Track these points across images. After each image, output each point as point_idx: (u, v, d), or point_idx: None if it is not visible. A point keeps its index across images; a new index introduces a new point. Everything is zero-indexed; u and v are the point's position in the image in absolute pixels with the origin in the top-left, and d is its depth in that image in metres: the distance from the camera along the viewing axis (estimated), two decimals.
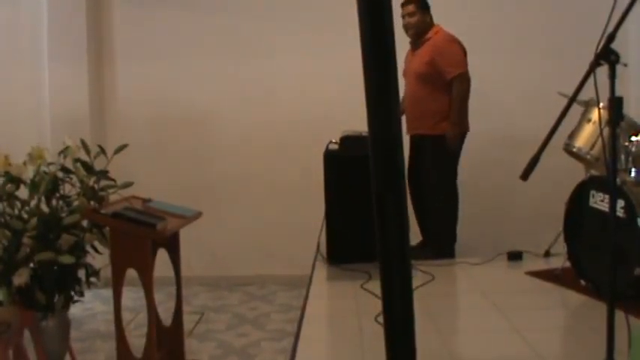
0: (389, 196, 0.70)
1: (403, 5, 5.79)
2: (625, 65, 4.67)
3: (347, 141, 5.47)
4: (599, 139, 4.78)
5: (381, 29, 0.73)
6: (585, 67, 2.72)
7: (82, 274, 4.67)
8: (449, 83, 5.61)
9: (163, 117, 6.98)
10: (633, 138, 4.64)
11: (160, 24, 7.01)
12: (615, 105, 2.74)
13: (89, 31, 6.94)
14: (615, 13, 2.67)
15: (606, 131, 4.78)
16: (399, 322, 0.75)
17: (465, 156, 5.89)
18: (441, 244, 5.76)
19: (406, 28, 5.79)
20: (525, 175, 2.64)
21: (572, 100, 2.84)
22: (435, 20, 5.88)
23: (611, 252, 3.13)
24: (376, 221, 0.73)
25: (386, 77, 0.75)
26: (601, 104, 4.72)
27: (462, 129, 5.74)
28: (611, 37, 2.65)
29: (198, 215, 4.81)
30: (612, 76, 2.70)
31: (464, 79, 5.61)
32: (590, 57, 2.69)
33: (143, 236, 4.09)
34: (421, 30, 5.78)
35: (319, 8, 6.73)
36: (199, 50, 6.97)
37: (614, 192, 3.04)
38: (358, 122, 5.99)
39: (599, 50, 2.66)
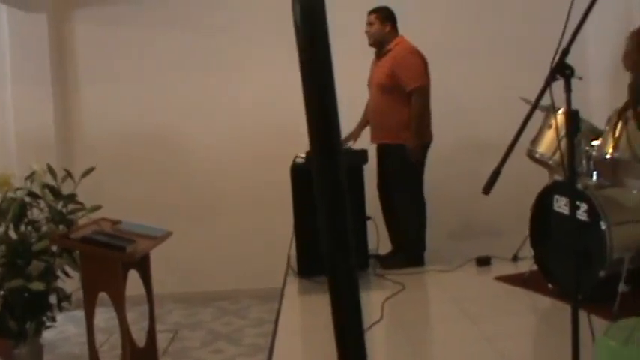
0: (330, 212, 0.71)
1: (367, 15, 5.89)
2: (580, 79, 4.79)
3: None
4: (562, 145, 4.86)
5: (320, 70, 0.75)
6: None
7: (53, 298, 4.67)
8: (409, 94, 5.66)
9: (130, 136, 6.97)
10: (594, 143, 4.72)
11: (123, 43, 7.01)
12: (571, 118, 2.79)
13: (52, 53, 6.92)
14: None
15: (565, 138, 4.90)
16: (350, 333, 0.77)
17: (432, 163, 5.94)
18: (411, 252, 5.80)
19: (367, 36, 5.87)
20: (487, 189, 2.69)
21: (531, 112, 2.89)
22: (403, 29, 5.95)
23: (574, 256, 3.19)
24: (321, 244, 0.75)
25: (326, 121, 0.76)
26: (560, 110, 4.86)
27: (423, 140, 5.79)
28: (566, 52, 2.72)
29: (168, 235, 4.83)
30: (568, 89, 2.77)
31: (423, 92, 5.67)
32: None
33: (113, 260, 4.11)
34: (380, 40, 5.85)
35: (284, 20, 6.75)
36: (164, 68, 6.97)
37: (573, 208, 3.10)
38: None
39: (554, 65, 2.72)
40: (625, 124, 4.33)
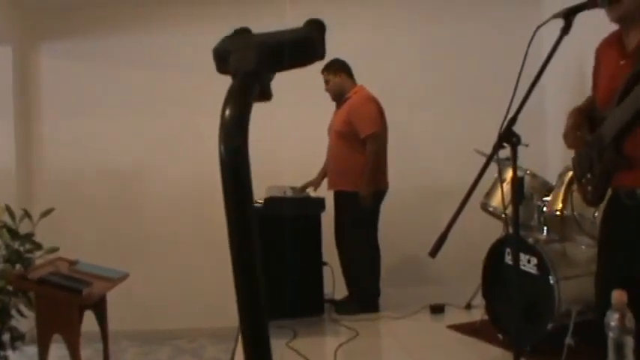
0: None
1: (322, 72, 6.03)
2: (526, 146, 4.92)
3: (271, 201, 5.56)
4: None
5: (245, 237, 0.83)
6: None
7: (6, 337, 4.66)
8: (364, 141, 5.76)
9: (91, 173, 6.99)
10: (545, 198, 4.85)
11: (87, 79, 7.04)
12: (517, 185, 2.89)
13: (16, 86, 6.94)
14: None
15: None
16: None
17: (389, 209, 6.04)
18: (365, 298, 5.87)
19: (329, 93, 6.04)
20: (433, 253, 2.75)
21: (482, 173, 2.94)
22: (363, 77, 6.08)
23: (516, 310, 3.26)
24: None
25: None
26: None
27: (378, 187, 5.88)
28: (513, 120, 2.81)
29: (124, 277, 4.86)
30: (514, 157, 2.87)
31: (376, 139, 5.77)
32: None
33: (69, 302, 4.13)
34: (339, 92, 6.00)
35: None
36: (127, 104, 7.01)
37: (517, 271, 3.20)
38: (284, 177, 6.18)
39: (501, 133, 2.82)
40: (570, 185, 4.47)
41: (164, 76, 7.04)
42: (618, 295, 2.27)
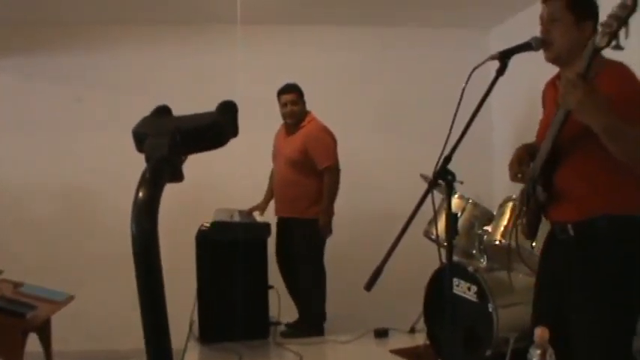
0: None
1: (283, 93, 6.07)
2: (461, 183, 5.05)
3: (218, 225, 5.60)
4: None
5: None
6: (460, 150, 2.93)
7: None
8: (320, 171, 5.85)
9: (38, 193, 6.92)
10: (486, 227, 4.98)
11: (36, 97, 6.97)
12: (450, 222, 2.98)
13: None
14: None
15: (463, 218, 5.15)
16: None
17: (334, 232, 6.14)
18: (310, 322, 5.93)
19: (286, 115, 6.08)
20: (369, 286, 2.82)
21: (418, 206, 3.00)
22: (312, 101, 6.22)
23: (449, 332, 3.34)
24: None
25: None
26: (456, 194, 5.11)
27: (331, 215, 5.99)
28: (448, 159, 2.90)
29: (69, 300, 4.87)
30: (448, 194, 2.96)
31: (334, 171, 5.89)
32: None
33: (12, 326, 4.13)
34: (299, 117, 6.07)
35: (202, 82, 6.97)
36: (75, 123, 6.95)
37: (452, 314, 3.29)
38: (231, 200, 6.23)
39: (437, 170, 2.91)
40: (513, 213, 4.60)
41: (113, 96, 7.02)
42: (540, 332, 2.36)
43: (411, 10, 6.77)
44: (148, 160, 0.97)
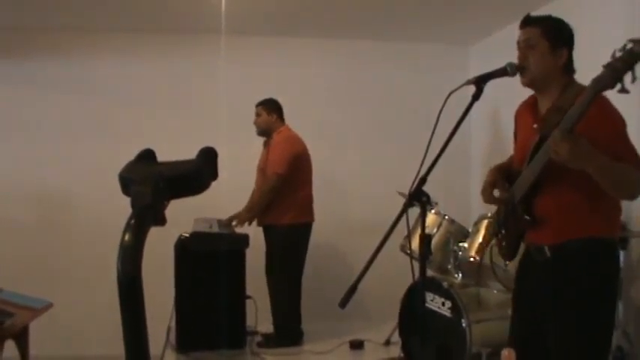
0: None
1: (255, 106, 6.22)
2: (436, 204, 5.13)
3: (196, 236, 5.65)
4: (432, 243, 5.18)
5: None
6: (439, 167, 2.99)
7: None
8: (292, 179, 5.94)
9: (16, 198, 6.93)
10: (461, 243, 5.06)
11: (13, 102, 6.96)
12: (425, 242, 3.05)
13: None
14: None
15: (439, 234, 5.23)
16: None
17: (311, 243, 6.19)
18: (287, 332, 5.98)
19: (255, 126, 6.21)
20: (343, 304, 2.86)
21: (394, 226, 3.05)
22: (290, 113, 6.28)
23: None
24: None
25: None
26: (433, 210, 5.19)
27: (303, 219, 6.08)
28: (423, 181, 2.96)
29: (48, 307, 4.88)
30: (423, 215, 3.03)
31: (277, 180, 5.91)
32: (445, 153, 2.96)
33: None
34: (266, 130, 6.19)
35: (185, 91, 7.02)
36: (57, 129, 6.96)
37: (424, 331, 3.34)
38: (213, 209, 6.27)
39: (412, 192, 2.97)
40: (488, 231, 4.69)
41: (95, 102, 7.03)
42: (507, 354, 2.43)
43: (392, 25, 6.84)
44: (133, 206, 1.03)
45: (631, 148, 2.89)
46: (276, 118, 6.16)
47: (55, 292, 5.37)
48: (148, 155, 1.13)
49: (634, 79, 2.50)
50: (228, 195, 6.43)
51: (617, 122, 2.91)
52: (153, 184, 1.02)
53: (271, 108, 6.17)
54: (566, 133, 2.68)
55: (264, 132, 6.18)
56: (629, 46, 2.50)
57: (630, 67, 2.49)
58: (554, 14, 3.19)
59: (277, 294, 5.99)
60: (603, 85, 2.55)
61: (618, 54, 2.51)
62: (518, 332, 3.24)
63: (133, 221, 1.00)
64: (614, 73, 2.50)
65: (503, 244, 3.27)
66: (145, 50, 7.12)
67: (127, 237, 0.98)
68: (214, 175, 1.13)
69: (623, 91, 2.54)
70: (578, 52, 2.95)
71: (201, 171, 1.09)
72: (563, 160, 2.69)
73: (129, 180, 1.07)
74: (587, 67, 2.90)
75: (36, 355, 4.91)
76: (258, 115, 6.19)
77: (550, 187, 2.94)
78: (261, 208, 5.97)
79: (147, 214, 1.01)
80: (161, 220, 1.05)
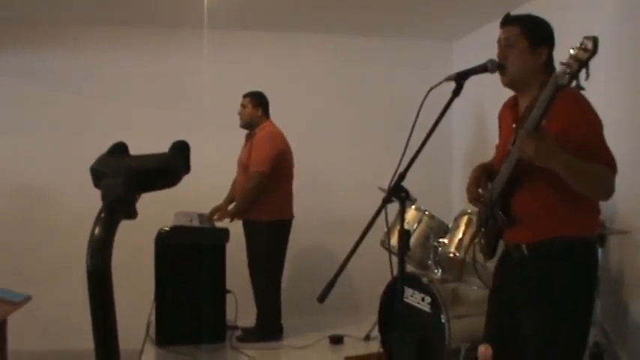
0: None
1: (243, 97, 6.19)
2: (415, 200, 5.14)
3: (177, 229, 5.64)
4: (411, 238, 5.22)
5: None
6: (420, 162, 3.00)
7: None
8: (273, 176, 5.94)
9: None
10: (441, 239, 5.08)
11: (1, 94, 6.98)
12: (404, 238, 3.06)
13: None
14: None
15: (419, 230, 5.24)
16: None
17: (292, 238, 6.22)
18: (267, 327, 5.99)
19: (239, 117, 6.17)
20: (322, 298, 2.88)
21: (370, 225, 3.07)
22: (275, 109, 6.28)
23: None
24: None
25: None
26: (413, 205, 5.21)
27: (282, 216, 6.08)
28: (402, 176, 2.98)
29: (27, 300, 4.86)
30: (402, 211, 3.04)
31: (260, 178, 5.90)
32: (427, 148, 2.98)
33: None
34: (250, 123, 6.17)
35: (168, 84, 7.00)
36: (42, 122, 6.95)
37: (401, 329, 3.36)
38: (194, 203, 6.26)
39: (391, 187, 2.98)
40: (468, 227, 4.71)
41: (81, 96, 7.01)
42: (483, 350, 2.45)
43: (375, 20, 6.85)
44: (103, 198, 1.03)
45: (605, 148, 2.92)
46: (262, 112, 6.15)
47: (34, 286, 5.35)
48: (120, 148, 1.13)
49: (587, 77, 2.57)
50: (211, 189, 6.45)
51: (592, 122, 2.94)
52: (124, 177, 1.02)
53: (257, 101, 6.16)
54: (530, 131, 2.71)
55: (248, 125, 6.17)
56: (584, 43, 2.54)
57: (584, 65, 2.54)
58: (538, 12, 3.21)
59: (257, 289, 6.00)
60: (560, 83, 2.60)
61: (574, 52, 2.55)
62: (496, 328, 3.26)
63: (103, 214, 1.00)
64: (569, 71, 2.56)
65: (482, 242, 3.29)
66: (127, 44, 7.09)
67: (96, 230, 0.98)
68: (187, 168, 1.13)
69: (579, 87, 2.62)
70: (562, 50, 2.95)
71: (174, 164, 1.09)
72: (529, 158, 2.73)
73: (100, 173, 1.07)
74: None
75: (15, 350, 4.88)
76: (243, 106, 6.18)
77: (527, 185, 2.96)
78: (245, 206, 5.96)
79: (117, 208, 1.00)
80: (132, 214, 1.04)
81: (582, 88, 2.63)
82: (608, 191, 2.91)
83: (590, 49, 2.51)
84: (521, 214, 3.00)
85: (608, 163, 2.87)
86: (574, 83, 2.55)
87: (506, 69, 3.06)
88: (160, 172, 1.09)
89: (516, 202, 3.01)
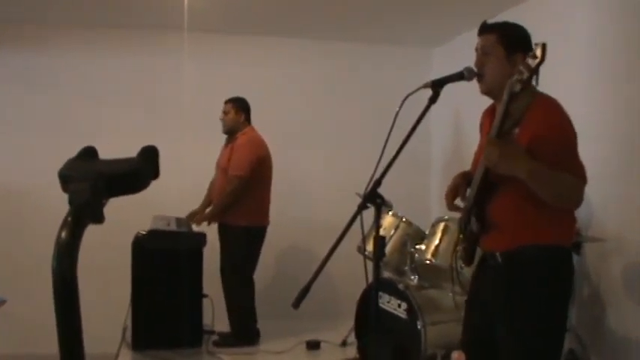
0: None
1: (224, 103, 6.18)
2: (391, 206, 5.15)
3: (153, 233, 5.62)
4: (388, 244, 5.23)
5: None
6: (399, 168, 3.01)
7: None
8: (252, 182, 5.93)
9: None
10: (418, 246, 5.09)
11: None
12: (378, 244, 3.07)
13: None
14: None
15: (396, 236, 5.25)
16: None
17: (268, 242, 6.21)
18: (244, 332, 5.98)
19: (222, 123, 6.14)
20: (296, 304, 2.88)
21: (345, 231, 3.07)
22: (258, 113, 6.27)
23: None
24: None
25: None
26: (391, 212, 5.22)
27: (258, 223, 6.08)
28: (378, 183, 2.98)
29: (2, 303, 4.83)
30: (377, 218, 3.05)
31: (239, 182, 5.89)
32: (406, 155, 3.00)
33: None
34: (233, 129, 6.15)
35: (148, 87, 6.98)
36: (19, 123, 6.90)
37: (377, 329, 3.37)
38: (172, 207, 6.25)
39: (366, 194, 2.99)
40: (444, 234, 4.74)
41: (61, 97, 6.97)
42: (457, 356, 2.46)
43: (356, 26, 6.86)
44: (70, 203, 1.03)
45: (576, 158, 2.93)
46: (244, 118, 6.15)
47: (9, 289, 5.30)
48: (88, 153, 1.13)
49: (537, 83, 2.75)
50: (190, 192, 6.44)
51: (566, 130, 2.95)
52: (91, 181, 1.02)
53: (240, 107, 6.16)
54: (493, 138, 2.75)
55: (230, 130, 6.15)
56: (533, 50, 2.65)
57: (535, 72, 2.65)
58: (518, 19, 3.22)
59: (232, 294, 5.98)
60: (513, 91, 2.72)
61: (526, 59, 2.66)
62: (470, 335, 3.27)
63: (69, 218, 1.00)
64: (521, 78, 2.66)
65: (459, 249, 3.30)
66: (108, 45, 7.05)
67: (63, 234, 0.98)
68: (155, 173, 1.14)
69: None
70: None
71: (141, 169, 1.09)
72: (494, 165, 2.77)
73: (68, 177, 1.07)
74: (551, 72, 2.94)
75: None
76: (226, 112, 6.16)
77: (501, 192, 2.97)
78: (222, 210, 5.95)
79: (84, 212, 1.01)
80: (99, 218, 1.05)
81: None
82: (575, 201, 2.94)
83: (538, 56, 2.58)
84: (496, 221, 3.02)
85: (577, 173, 2.89)
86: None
87: (483, 77, 3.07)
88: (128, 176, 1.10)
89: (491, 209, 3.02)
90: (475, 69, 3.09)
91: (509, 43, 3.05)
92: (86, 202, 1.03)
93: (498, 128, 2.76)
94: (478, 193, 3.02)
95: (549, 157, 2.79)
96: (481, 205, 3.04)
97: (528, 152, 2.80)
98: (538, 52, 2.59)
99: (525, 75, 2.62)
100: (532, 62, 2.60)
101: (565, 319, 3.10)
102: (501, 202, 2.98)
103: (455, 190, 3.26)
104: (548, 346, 3.01)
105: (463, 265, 3.56)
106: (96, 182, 1.04)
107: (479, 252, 3.23)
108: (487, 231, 3.05)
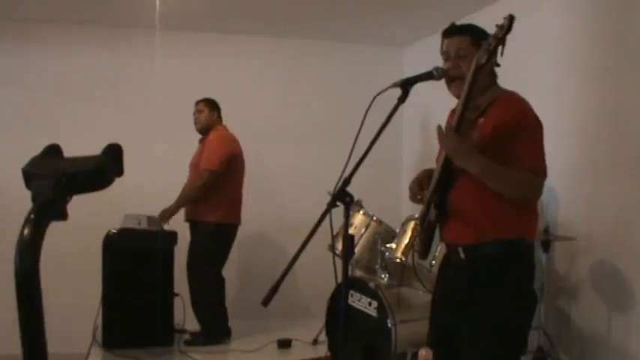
0: None
1: (196, 103, 6.20)
2: (361, 204, 5.17)
3: (124, 232, 5.61)
4: (359, 243, 5.26)
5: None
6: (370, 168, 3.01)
7: None
8: (223, 178, 5.94)
9: None
10: (388, 245, 5.12)
11: None
12: (347, 242, 3.08)
13: None
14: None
15: (367, 234, 5.27)
16: None
17: (240, 240, 6.24)
18: (215, 331, 5.98)
19: (195, 122, 6.15)
20: (265, 302, 2.87)
21: (315, 229, 3.08)
22: (226, 110, 6.29)
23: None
24: None
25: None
26: (361, 211, 5.24)
27: (229, 220, 6.08)
28: (347, 181, 2.99)
29: None
30: (347, 216, 3.05)
31: (209, 176, 5.90)
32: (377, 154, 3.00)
33: None
34: (207, 127, 6.17)
35: (120, 85, 6.95)
36: None
37: (345, 328, 3.38)
38: (145, 205, 6.22)
39: (335, 192, 2.99)
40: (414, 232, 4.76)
41: (31, 94, 6.91)
42: (424, 354, 2.48)
43: (327, 25, 6.88)
44: (33, 200, 1.04)
45: (535, 150, 2.94)
46: (216, 117, 6.19)
47: None
48: (53, 150, 1.14)
49: (502, 53, 2.79)
50: (163, 191, 6.41)
51: (528, 121, 2.96)
52: (54, 179, 1.03)
53: (213, 106, 6.20)
54: (452, 130, 2.78)
55: (205, 129, 6.17)
56: (502, 22, 2.71)
57: (501, 41, 2.71)
58: (487, 20, 3.24)
59: (197, 290, 5.97)
60: (479, 63, 2.78)
61: (494, 31, 2.72)
62: (436, 333, 3.29)
63: (32, 216, 1.01)
64: (487, 49, 2.73)
65: (417, 241, 3.32)
66: (79, 43, 7.00)
67: (25, 232, 0.99)
68: (119, 171, 1.15)
69: (495, 64, 2.91)
70: (511, 55, 2.96)
71: (105, 167, 1.10)
72: (449, 156, 2.81)
73: (31, 174, 1.08)
74: (521, 71, 2.98)
75: None
76: (200, 111, 6.18)
77: (462, 181, 2.99)
78: (188, 201, 5.96)
79: (47, 209, 1.02)
80: (62, 215, 1.05)
81: (497, 65, 2.91)
82: (530, 196, 2.99)
83: (505, 26, 2.63)
84: (456, 208, 3.04)
85: (533, 167, 2.90)
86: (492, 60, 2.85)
87: (461, 81, 3.04)
88: (91, 174, 1.11)
89: (451, 196, 3.05)
90: (450, 72, 3.08)
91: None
92: (49, 200, 1.04)
93: (461, 110, 2.81)
94: (439, 181, 3.05)
95: (510, 139, 2.83)
96: (442, 193, 3.06)
97: (492, 139, 2.86)
98: (505, 22, 2.64)
99: (492, 45, 2.66)
100: (499, 32, 2.65)
101: (527, 318, 3.09)
102: (462, 190, 3.01)
103: (419, 182, 3.28)
104: (510, 342, 3.02)
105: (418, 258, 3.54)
106: (59, 180, 1.05)
107: (442, 249, 3.25)
108: (446, 219, 3.08)
